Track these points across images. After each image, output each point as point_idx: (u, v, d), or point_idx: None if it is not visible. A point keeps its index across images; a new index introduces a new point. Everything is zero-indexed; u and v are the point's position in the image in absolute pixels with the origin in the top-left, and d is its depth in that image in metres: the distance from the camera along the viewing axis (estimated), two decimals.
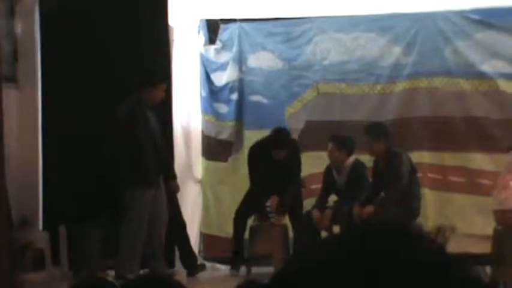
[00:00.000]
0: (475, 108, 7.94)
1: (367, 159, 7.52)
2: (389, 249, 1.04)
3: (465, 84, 7.98)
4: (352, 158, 7.47)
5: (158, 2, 7.94)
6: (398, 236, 1.06)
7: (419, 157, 7.56)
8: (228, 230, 7.74)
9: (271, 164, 7.34)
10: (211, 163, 8.44)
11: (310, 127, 8.26)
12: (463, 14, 8.02)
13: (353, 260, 1.03)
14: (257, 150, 7.53)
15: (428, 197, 7.70)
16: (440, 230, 7.01)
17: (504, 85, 7.89)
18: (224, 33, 8.60)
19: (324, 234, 7.29)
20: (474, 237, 7.30)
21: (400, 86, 8.13)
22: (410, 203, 7.13)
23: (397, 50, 8.17)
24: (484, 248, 6.59)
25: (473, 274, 1.06)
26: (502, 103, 7.83)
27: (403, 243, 1.05)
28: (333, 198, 7.59)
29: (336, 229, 7.31)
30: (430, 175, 7.84)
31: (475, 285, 1.06)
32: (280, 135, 7.47)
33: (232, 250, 7.56)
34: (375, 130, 7.30)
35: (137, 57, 7.61)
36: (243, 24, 8.53)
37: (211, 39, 8.63)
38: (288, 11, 8.41)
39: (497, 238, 6.33)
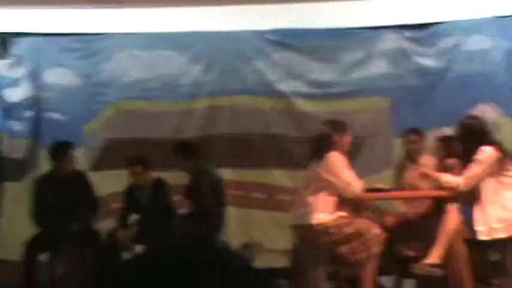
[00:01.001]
0: (274, 126, 8.14)
1: (172, 177, 7.46)
2: (199, 266, 0.99)
3: (264, 103, 8.17)
4: (153, 176, 7.38)
5: None
6: (206, 254, 1.02)
7: (221, 174, 7.59)
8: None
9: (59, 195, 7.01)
10: (5, 183, 8.04)
11: (110, 145, 8.11)
12: (261, 35, 8.22)
13: (163, 278, 0.98)
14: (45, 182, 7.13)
15: (231, 213, 7.76)
16: (247, 246, 7.09)
17: (300, 103, 8.15)
18: (17, 48, 8.27)
19: (125, 254, 7.12)
20: (276, 252, 7.45)
21: (201, 103, 8.19)
22: (213, 219, 7.15)
23: (197, 68, 8.22)
24: (285, 262, 6.72)
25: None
26: (299, 121, 8.08)
27: (211, 260, 1.01)
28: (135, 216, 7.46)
29: (139, 248, 7.17)
30: (232, 192, 7.91)
31: None
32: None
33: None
34: (186, 148, 7.29)
35: None
36: (38, 38, 8.23)
37: (3, 53, 8.25)
38: (87, 27, 8.21)
39: (295, 252, 6.47)
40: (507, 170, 6.01)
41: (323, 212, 6.14)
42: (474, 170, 5.96)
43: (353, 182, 6.12)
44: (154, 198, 7.30)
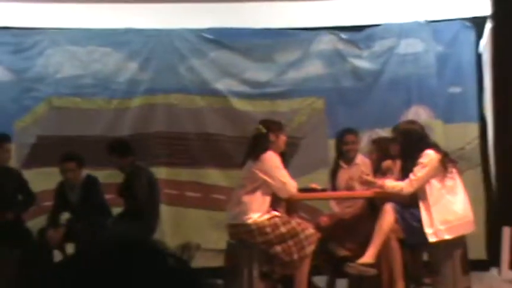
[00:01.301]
0: (210, 124, 8.11)
1: (105, 175, 7.34)
2: (136, 267, 0.96)
3: (200, 101, 8.13)
4: (84, 174, 7.27)
5: None
6: (139, 253, 0.99)
7: (156, 173, 7.53)
8: None
9: None
10: None
11: (42, 142, 7.96)
12: (197, 33, 8.18)
13: (94, 279, 0.94)
14: None
15: (166, 212, 7.70)
16: (185, 247, 7.04)
17: (236, 103, 8.14)
18: None
19: (56, 252, 6.99)
20: (211, 252, 7.44)
21: (137, 101, 8.10)
22: (147, 218, 7.08)
23: (133, 66, 8.13)
24: (220, 261, 6.70)
25: None
26: (235, 120, 8.07)
27: (148, 261, 0.98)
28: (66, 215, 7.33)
29: (69, 247, 7.05)
30: (166, 190, 7.86)
31: None
32: None
33: None
34: (120, 146, 7.20)
35: None
36: None
37: None
38: (19, 21, 8.03)
39: (230, 251, 6.46)
40: (450, 172, 6.12)
41: (258, 211, 6.15)
42: (419, 173, 6.04)
43: (288, 182, 6.14)
44: (85, 196, 7.17)
